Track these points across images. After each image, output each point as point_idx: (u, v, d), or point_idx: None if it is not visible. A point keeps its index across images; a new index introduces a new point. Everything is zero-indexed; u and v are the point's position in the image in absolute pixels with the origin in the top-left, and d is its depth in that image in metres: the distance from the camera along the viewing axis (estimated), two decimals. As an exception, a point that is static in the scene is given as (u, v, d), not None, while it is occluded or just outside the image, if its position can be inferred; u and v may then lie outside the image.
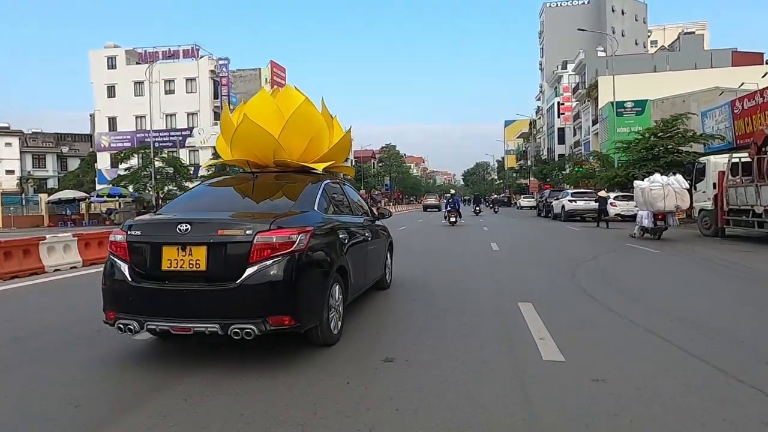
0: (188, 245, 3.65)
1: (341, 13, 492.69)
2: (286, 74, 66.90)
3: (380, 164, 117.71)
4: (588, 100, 48.18)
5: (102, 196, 34.52)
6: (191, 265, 3.65)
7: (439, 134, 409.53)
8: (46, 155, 66.64)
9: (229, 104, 51.32)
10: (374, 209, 6.83)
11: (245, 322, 3.55)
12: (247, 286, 3.57)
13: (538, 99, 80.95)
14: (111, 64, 52.42)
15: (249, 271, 3.60)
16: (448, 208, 23.65)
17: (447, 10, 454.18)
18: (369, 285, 5.93)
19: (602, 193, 22.68)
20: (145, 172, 38.05)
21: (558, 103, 63.17)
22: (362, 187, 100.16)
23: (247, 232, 3.65)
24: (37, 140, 70.20)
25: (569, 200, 24.97)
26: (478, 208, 34.67)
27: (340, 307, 4.48)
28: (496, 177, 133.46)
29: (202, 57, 51.27)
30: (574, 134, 57.99)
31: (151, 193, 37.36)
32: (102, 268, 4.11)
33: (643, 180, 16.95)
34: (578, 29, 42.00)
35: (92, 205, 37.78)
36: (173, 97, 51.52)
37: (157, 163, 39.15)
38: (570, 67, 61.67)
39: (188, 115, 51.65)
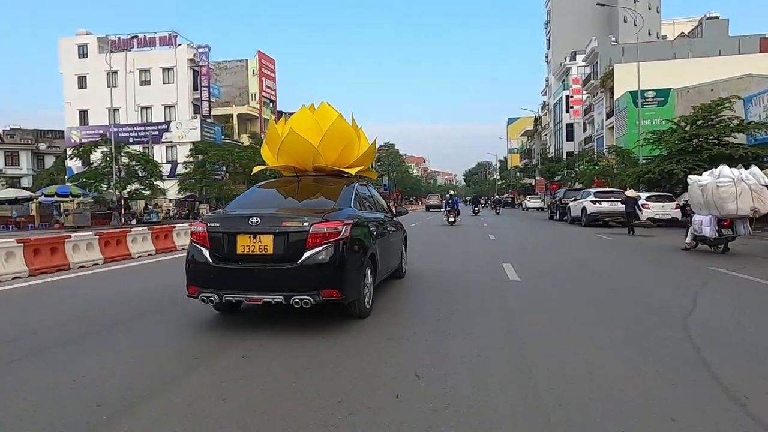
0: (258, 234, 4.70)
1: (341, 14, 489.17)
2: (276, 66, 62.89)
3: (378, 163, 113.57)
4: (601, 91, 43.91)
5: (51, 196, 30.30)
6: (261, 250, 4.70)
7: (440, 134, 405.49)
8: (20, 152, 62.47)
9: (209, 96, 47.25)
10: (393, 207, 8.21)
11: (303, 295, 4.60)
12: (305, 266, 4.62)
13: (544, 94, 76.64)
14: (82, 52, 48.27)
15: (306, 254, 4.64)
16: (448, 209, 24.16)
17: (448, 7, 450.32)
18: (389, 272, 6.85)
19: (630, 193, 18.40)
20: (109, 169, 33.89)
21: (566, 96, 58.90)
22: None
23: (304, 223, 4.72)
24: (15, 137, 66.18)
25: (592, 201, 20.75)
26: (476, 209, 35.47)
27: (371, 287, 5.50)
28: (498, 177, 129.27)
29: (180, 45, 47.10)
30: (585, 130, 53.70)
31: (112, 192, 33.14)
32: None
33: (701, 174, 12.66)
34: (597, 4, 37.79)
35: (62, 205, 33.58)
36: (149, 89, 47.36)
37: (124, 159, 35.05)
38: (579, 58, 57.41)
39: (165, 107, 47.49)
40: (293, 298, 4.58)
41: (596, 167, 35.35)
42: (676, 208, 19.32)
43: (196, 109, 47.28)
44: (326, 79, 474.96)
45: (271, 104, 62.14)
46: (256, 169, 7.66)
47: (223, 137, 49.90)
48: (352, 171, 6.63)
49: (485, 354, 4.08)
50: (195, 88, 47.30)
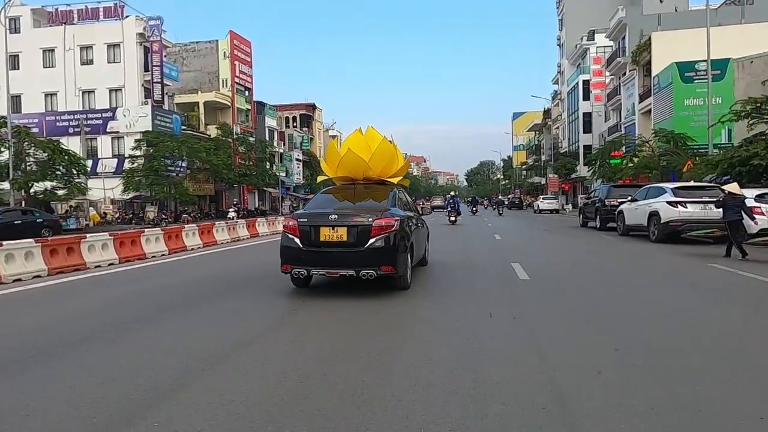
0: (336, 226, 6.48)
1: (339, 13, 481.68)
2: (252, 50, 55.38)
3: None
4: (632, 69, 36.23)
5: None
6: (338, 238, 6.47)
7: (441, 135, 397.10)
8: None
9: (162, 78, 39.72)
10: (419, 208, 11.55)
11: (369, 269, 6.38)
12: (370, 249, 6.37)
13: (556, 82, 68.90)
14: (14, 27, 40.74)
15: (370, 241, 6.38)
16: (449, 209, 25.42)
17: (448, 4, 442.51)
18: (419, 259, 8.40)
19: (733, 188, 10.65)
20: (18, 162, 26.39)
21: (583, 81, 51.30)
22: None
23: (369, 219, 6.46)
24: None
25: (671, 203, 13.07)
26: (474, 209, 38.43)
27: (410, 267, 7.21)
28: (501, 177, 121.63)
29: (127, 17, 39.59)
30: (608, 118, 46.03)
31: (10, 191, 25.57)
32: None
33: None
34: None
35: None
36: (92, 69, 39.85)
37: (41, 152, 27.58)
38: (598, 38, 49.75)
39: (110, 91, 40.00)
40: (361, 272, 6.40)
41: (634, 160, 27.65)
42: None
43: (148, 94, 39.76)
44: (325, 79, 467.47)
45: (246, 92, 54.69)
46: (320, 178, 10.15)
47: (184, 128, 42.44)
48: (394, 180, 8.49)
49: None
50: (146, 69, 39.78)
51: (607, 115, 46.06)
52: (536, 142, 73.67)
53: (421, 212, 9.66)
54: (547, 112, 75.30)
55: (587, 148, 51.34)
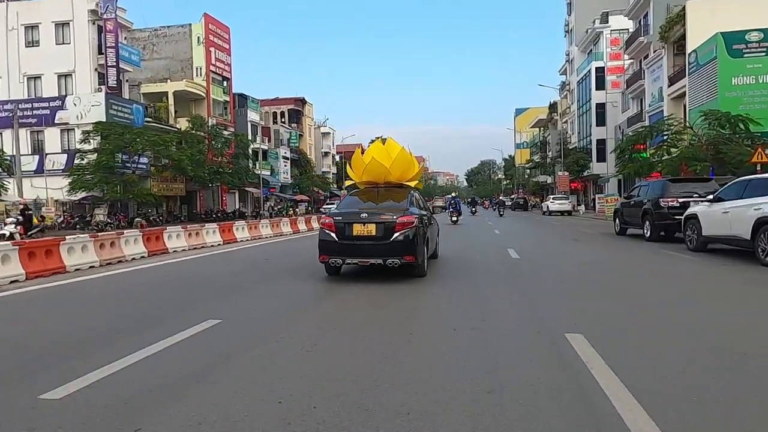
0: (366, 223, 7.63)
1: (338, 13, 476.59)
2: (231, 35, 50.38)
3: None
4: (660, 48, 31.15)
5: None
6: (368, 232, 7.60)
7: (441, 135, 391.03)
8: None
9: (118, 61, 34.65)
10: (431, 207, 14.01)
11: (394, 259, 7.54)
12: (395, 242, 7.51)
13: (563, 72, 63.82)
14: (-50, 4, 35.75)
15: (395, 235, 7.51)
16: (450, 209, 26.89)
17: (448, 3, 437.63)
18: (431, 252, 9.29)
19: None
20: None
21: (596, 69, 46.26)
22: (343, 188, 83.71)
23: (393, 217, 7.63)
24: None
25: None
26: (474, 209, 40.07)
27: (426, 258, 8.27)
28: (503, 176, 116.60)
29: (78, -9, 34.54)
30: (626, 108, 40.97)
31: None
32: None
33: None
34: None
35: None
36: (38, 52, 34.83)
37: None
38: (613, 20, 44.74)
39: (59, 77, 34.96)
40: (387, 260, 7.57)
41: (672, 151, 22.55)
42: None
43: (102, 78, 34.72)
44: (323, 79, 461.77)
45: (224, 83, 49.67)
46: (347, 183, 10.83)
47: (149, 120, 37.44)
48: (411, 184, 9.70)
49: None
50: (100, 51, 34.73)
51: (625, 105, 41.01)
52: (541, 139, 68.47)
53: (431, 210, 11.20)
54: (553, 106, 70.26)
55: (601, 143, 46.33)
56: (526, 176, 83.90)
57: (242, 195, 52.58)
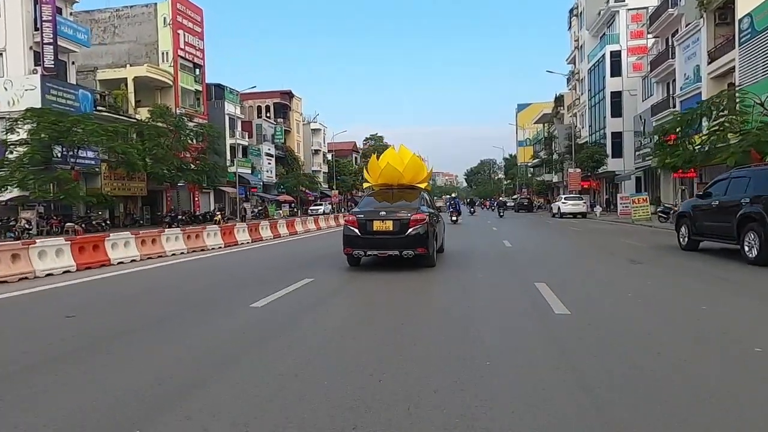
0: (385, 220, 8.79)
1: (336, 13, 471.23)
2: (204, 17, 45.30)
3: (364, 160, 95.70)
4: (702, 16, 26.00)
5: None
6: (386, 228, 8.74)
7: (440, 135, 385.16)
8: None
9: (55, 37, 29.51)
10: (438, 206, 14.39)
11: (408, 250, 8.63)
12: (409, 236, 8.61)
13: (571, 61, 58.74)
14: None
15: (409, 230, 8.61)
16: (451, 209, 27.45)
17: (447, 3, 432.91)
18: (439, 245, 10.48)
19: None
20: None
21: (611, 53, 41.16)
22: (335, 187, 78.58)
23: (408, 215, 8.74)
24: None
25: None
26: (473, 209, 44.28)
27: (435, 250, 9.45)
28: (503, 176, 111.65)
29: (9, -43, 29.42)
30: (648, 94, 35.92)
31: None
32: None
33: None
34: None
35: None
36: (-37, 28, 29.72)
37: None
38: (630, -2, 39.74)
39: (-12, 57, 29.85)
40: (403, 252, 8.69)
41: (729, 137, 17.42)
42: None
43: (38, 58, 29.60)
44: (324, 78, 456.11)
45: (196, 70, 44.65)
46: (366, 185, 11.92)
47: (102, 108, 32.35)
48: (422, 185, 10.94)
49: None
50: (36, 27, 29.62)
51: (646, 91, 35.93)
52: (546, 134, 63.19)
53: (438, 209, 11.97)
54: (559, 99, 65.27)
55: (616, 136, 41.29)
56: (530, 175, 78.90)
57: (219, 195, 47.55)
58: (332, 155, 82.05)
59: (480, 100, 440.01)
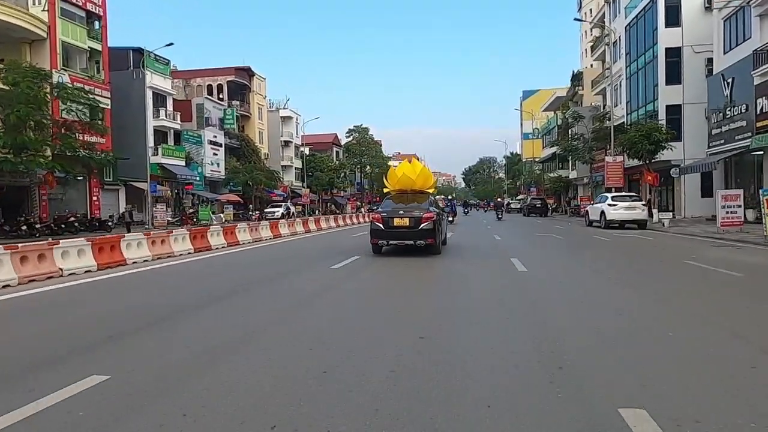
0: (403, 217, 11.79)
1: (335, 13, 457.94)
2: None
3: (347, 154, 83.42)
4: None
5: None
6: (404, 223, 11.74)
7: (439, 135, 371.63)
8: None
9: None
10: (441, 205, 17.97)
11: (421, 241, 11.63)
12: (422, 229, 11.60)
13: (597, 25, 46.49)
14: None
15: (422, 225, 11.59)
16: (448, 210, 26.00)
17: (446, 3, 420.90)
18: (443, 238, 13.55)
19: None
20: None
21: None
22: (306, 185, 66.36)
23: (420, 213, 11.78)
24: None
25: None
26: (467, 210, 47.15)
27: (440, 241, 12.56)
28: (504, 176, 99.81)
29: None
30: (731, 43, 23.86)
31: None
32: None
33: None
34: None
35: None
36: None
37: None
38: None
39: None
40: (417, 242, 11.51)
41: None
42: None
43: None
44: (321, 78, 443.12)
45: (95, 23, 32.58)
46: (386, 190, 14.61)
47: None
48: (430, 191, 14.23)
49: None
50: None
51: (734, 36, 23.82)
52: (562, 121, 50.79)
53: (442, 208, 15.90)
54: (576, 77, 53.25)
55: (674, 110, 29.27)
56: (538, 172, 66.86)
57: (133, 193, 35.49)
58: (309, 149, 69.78)
59: (480, 101, 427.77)
